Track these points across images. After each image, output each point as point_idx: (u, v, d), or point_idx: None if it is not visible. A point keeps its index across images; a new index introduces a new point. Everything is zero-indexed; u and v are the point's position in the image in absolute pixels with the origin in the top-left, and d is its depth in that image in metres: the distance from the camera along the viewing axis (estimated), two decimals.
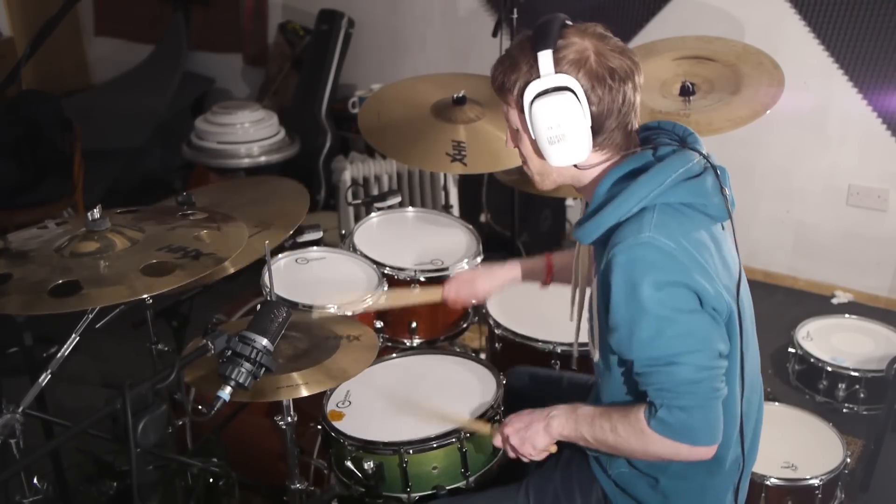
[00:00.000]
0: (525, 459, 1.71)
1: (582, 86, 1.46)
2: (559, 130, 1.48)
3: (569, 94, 1.46)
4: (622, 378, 1.59)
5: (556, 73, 1.46)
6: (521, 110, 1.51)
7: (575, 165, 1.54)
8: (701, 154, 1.53)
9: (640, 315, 1.45)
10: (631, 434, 1.53)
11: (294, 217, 2.22)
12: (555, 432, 1.65)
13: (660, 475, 1.62)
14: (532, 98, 1.48)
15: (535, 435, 1.66)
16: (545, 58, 1.46)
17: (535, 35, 1.49)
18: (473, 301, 2.13)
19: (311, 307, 2.15)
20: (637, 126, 1.57)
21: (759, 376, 1.70)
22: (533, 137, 1.52)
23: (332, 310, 2.16)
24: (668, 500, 1.64)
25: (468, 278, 2.11)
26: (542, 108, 1.47)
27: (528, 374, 2.06)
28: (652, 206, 1.47)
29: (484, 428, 1.83)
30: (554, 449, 1.70)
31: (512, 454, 1.72)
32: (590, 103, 1.47)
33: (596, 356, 1.64)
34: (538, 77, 1.47)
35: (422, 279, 2.40)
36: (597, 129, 1.49)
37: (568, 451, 1.77)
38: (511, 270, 2.08)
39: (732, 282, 1.53)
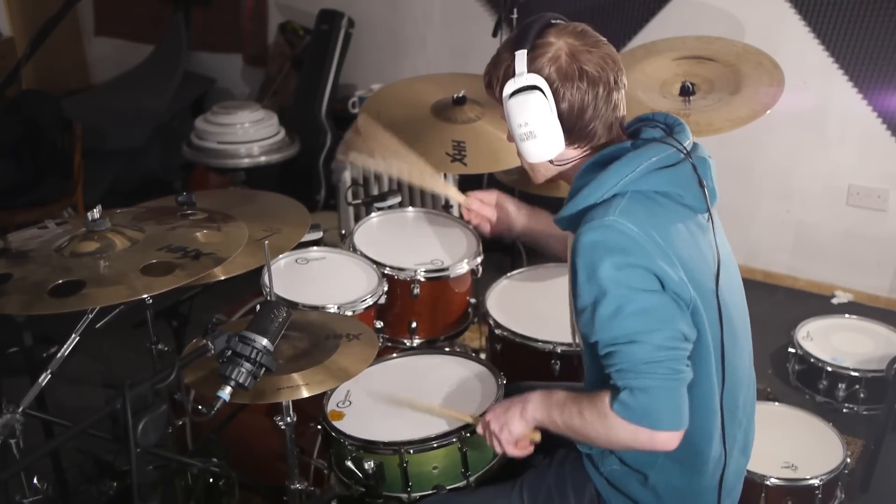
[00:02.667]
0: (499, 450, 1.69)
1: (550, 85, 1.49)
2: (528, 128, 1.52)
3: (537, 92, 1.49)
4: (590, 362, 1.61)
5: (529, 72, 1.49)
6: (503, 107, 1.55)
7: (550, 161, 1.58)
8: (680, 145, 1.53)
9: (600, 295, 1.46)
10: (595, 418, 1.53)
11: (297, 225, 2.21)
12: (529, 417, 1.65)
13: (648, 471, 1.62)
14: (508, 96, 1.52)
15: (511, 419, 1.67)
16: (520, 57, 1.50)
17: (517, 34, 1.53)
18: (487, 226, 2.06)
19: (311, 307, 2.15)
20: (622, 119, 1.58)
21: (749, 373, 1.70)
22: (512, 134, 1.57)
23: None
24: (661, 499, 1.64)
25: (489, 200, 2.04)
26: (514, 106, 1.52)
27: (525, 389, 2.04)
28: (623, 193, 1.49)
29: (465, 417, 1.84)
30: (537, 437, 1.69)
31: (498, 447, 1.71)
32: (558, 102, 1.50)
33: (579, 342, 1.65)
34: (514, 76, 1.51)
35: (422, 279, 2.40)
36: (568, 127, 1.53)
37: (562, 450, 1.77)
38: (536, 214, 2.03)
39: (710, 274, 1.53)
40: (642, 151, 1.51)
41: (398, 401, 1.96)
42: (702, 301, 1.50)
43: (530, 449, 1.70)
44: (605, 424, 1.52)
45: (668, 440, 1.49)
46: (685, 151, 1.53)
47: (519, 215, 2.04)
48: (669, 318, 1.47)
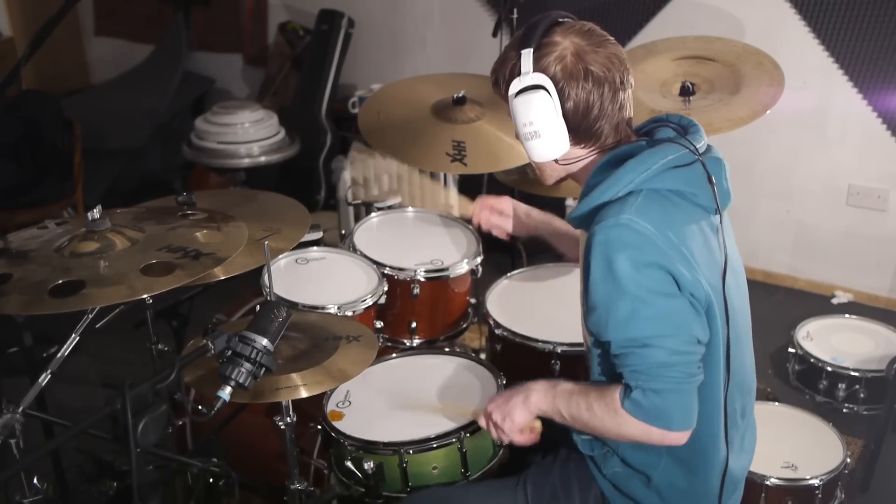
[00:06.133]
0: (506, 438, 1.70)
1: (555, 84, 1.49)
2: (533, 127, 1.52)
3: (542, 92, 1.49)
4: (599, 360, 1.60)
5: (534, 71, 1.49)
6: (509, 105, 1.55)
7: (556, 161, 1.57)
8: (692, 145, 1.53)
9: (617, 295, 1.46)
10: (605, 413, 1.53)
11: (297, 225, 2.21)
12: (533, 406, 1.65)
13: (651, 472, 1.62)
14: (513, 94, 1.52)
15: (513, 408, 1.67)
16: (526, 56, 1.50)
17: (523, 33, 1.53)
18: (497, 232, 2.14)
19: (311, 307, 2.15)
20: (629, 120, 1.58)
21: (751, 377, 1.69)
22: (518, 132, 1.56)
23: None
24: (665, 500, 1.64)
25: (503, 209, 2.11)
26: (519, 105, 1.52)
27: None
28: (638, 191, 1.48)
29: (466, 410, 1.84)
30: (538, 426, 1.69)
31: (494, 433, 1.72)
32: (563, 101, 1.50)
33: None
34: (519, 74, 1.51)
35: (422, 279, 2.40)
36: (573, 127, 1.52)
37: (565, 450, 1.77)
38: (547, 218, 2.09)
39: (719, 274, 1.53)
40: (658, 150, 1.50)
41: (410, 401, 1.96)
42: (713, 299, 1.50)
43: (533, 437, 1.71)
44: (615, 421, 1.52)
45: (679, 438, 1.51)
46: (697, 152, 1.52)
47: (529, 220, 2.08)
48: (685, 322, 1.47)
